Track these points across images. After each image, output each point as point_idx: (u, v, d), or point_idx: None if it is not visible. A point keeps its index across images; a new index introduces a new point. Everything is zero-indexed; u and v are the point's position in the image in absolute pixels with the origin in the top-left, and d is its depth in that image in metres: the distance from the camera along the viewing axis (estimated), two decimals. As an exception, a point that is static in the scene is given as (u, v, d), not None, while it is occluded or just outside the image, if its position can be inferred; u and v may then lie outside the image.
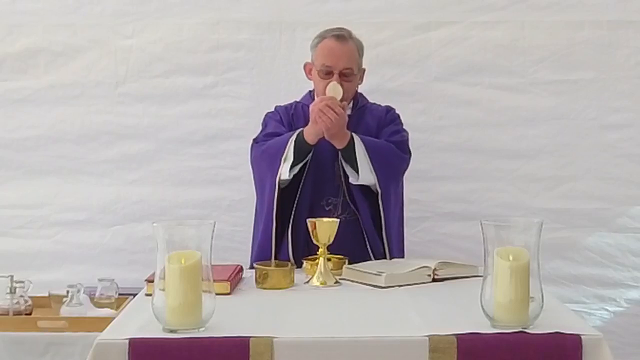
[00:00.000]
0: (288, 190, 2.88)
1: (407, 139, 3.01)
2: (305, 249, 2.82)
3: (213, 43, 3.51)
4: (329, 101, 2.77)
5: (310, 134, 2.82)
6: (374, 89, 3.32)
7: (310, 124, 2.82)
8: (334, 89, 2.83)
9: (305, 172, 2.88)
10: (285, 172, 2.81)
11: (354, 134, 2.84)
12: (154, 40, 3.51)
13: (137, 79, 3.51)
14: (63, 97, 3.51)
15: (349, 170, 2.85)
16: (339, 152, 2.85)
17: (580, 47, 3.49)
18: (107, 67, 3.51)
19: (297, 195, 2.88)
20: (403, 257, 2.98)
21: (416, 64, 3.50)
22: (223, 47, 3.51)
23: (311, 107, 2.82)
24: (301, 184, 2.88)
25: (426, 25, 3.50)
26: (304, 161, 2.85)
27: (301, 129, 2.86)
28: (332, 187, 2.92)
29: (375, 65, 3.41)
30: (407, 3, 3.49)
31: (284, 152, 2.82)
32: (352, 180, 2.86)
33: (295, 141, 2.82)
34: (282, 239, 2.90)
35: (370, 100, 3.11)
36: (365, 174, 2.82)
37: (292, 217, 2.89)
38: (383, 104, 3.11)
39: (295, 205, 2.89)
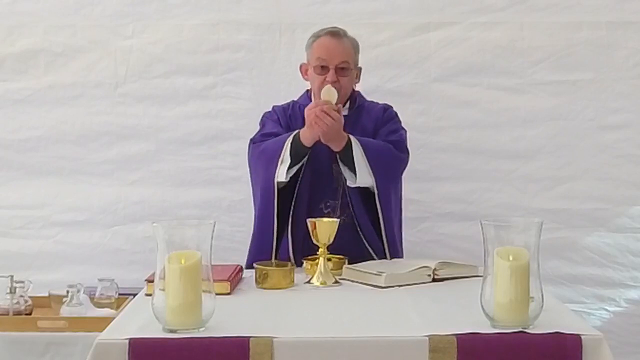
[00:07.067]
0: (285, 191, 2.88)
1: (405, 138, 3.01)
2: (305, 250, 2.82)
3: (213, 44, 3.51)
4: (324, 106, 2.75)
5: (307, 137, 2.81)
6: (374, 89, 3.32)
7: (306, 127, 2.81)
8: (329, 92, 2.81)
9: (301, 173, 2.88)
10: (282, 174, 2.81)
11: (351, 136, 2.83)
12: (154, 41, 3.51)
13: (137, 80, 3.52)
14: (63, 98, 3.52)
15: (346, 172, 2.85)
16: (337, 155, 2.85)
17: (578, 48, 3.50)
18: (107, 67, 3.51)
19: (294, 196, 2.88)
20: (401, 257, 2.98)
21: (415, 64, 3.51)
22: (223, 48, 3.51)
23: (306, 111, 2.81)
24: (298, 185, 2.88)
25: (425, 26, 3.51)
26: (301, 163, 2.85)
27: (297, 130, 2.85)
28: (330, 189, 2.92)
29: (375, 66, 3.43)
30: (407, 4, 3.50)
31: (280, 154, 2.81)
32: (349, 183, 2.85)
33: (291, 143, 2.81)
34: (280, 241, 2.90)
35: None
36: (363, 176, 2.82)
37: (290, 219, 2.89)
38: (381, 102, 3.11)
39: (293, 207, 2.89)
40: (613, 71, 3.50)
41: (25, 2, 3.50)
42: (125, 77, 3.51)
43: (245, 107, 3.49)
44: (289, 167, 2.82)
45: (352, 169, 2.82)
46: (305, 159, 2.85)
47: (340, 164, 2.86)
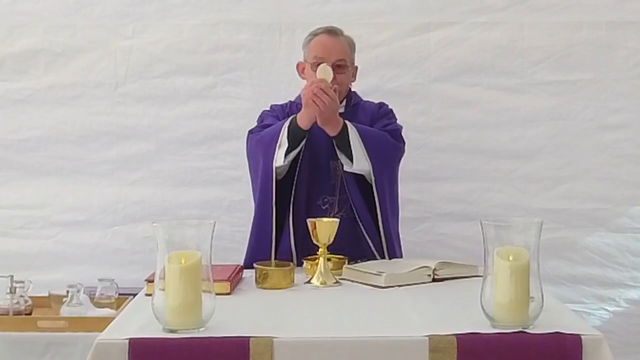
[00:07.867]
0: (284, 185, 2.88)
1: (401, 130, 3.01)
2: (305, 248, 2.82)
3: (213, 44, 3.51)
4: (321, 84, 2.76)
5: (304, 119, 2.82)
6: (373, 89, 3.33)
7: (303, 108, 2.82)
8: (324, 71, 2.81)
9: (299, 163, 2.88)
10: (280, 157, 2.81)
11: (346, 122, 2.84)
12: (154, 41, 3.51)
13: (137, 80, 3.52)
14: (63, 98, 3.52)
15: (343, 158, 2.85)
16: (333, 141, 2.85)
17: (578, 48, 3.50)
18: (107, 67, 3.51)
19: (293, 191, 2.87)
20: (401, 255, 2.98)
21: (415, 64, 3.51)
22: (223, 48, 3.51)
23: (303, 90, 2.82)
24: (296, 176, 2.87)
25: (425, 26, 3.51)
26: (299, 147, 2.85)
27: (294, 115, 2.87)
28: (328, 185, 2.93)
29: (375, 66, 3.43)
30: (407, 4, 3.50)
31: (278, 139, 2.82)
32: (346, 168, 2.86)
33: (288, 127, 2.82)
34: (278, 236, 2.90)
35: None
36: (359, 161, 2.82)
37: (290, 214, 2.89)
38: (377, 102, 3.12)
39: (291, 202, 2.89)
40: (613, 71, 3.50)
41: (25, 2, 3.51)
42: (125, 77, 3.51)
43: (245, 107, 3.49)
44: (288, 152, 2.82)
45: (349, 155, 2.82)
46: (303, 143, 2.85)
47: (337, 150, 2.86)
